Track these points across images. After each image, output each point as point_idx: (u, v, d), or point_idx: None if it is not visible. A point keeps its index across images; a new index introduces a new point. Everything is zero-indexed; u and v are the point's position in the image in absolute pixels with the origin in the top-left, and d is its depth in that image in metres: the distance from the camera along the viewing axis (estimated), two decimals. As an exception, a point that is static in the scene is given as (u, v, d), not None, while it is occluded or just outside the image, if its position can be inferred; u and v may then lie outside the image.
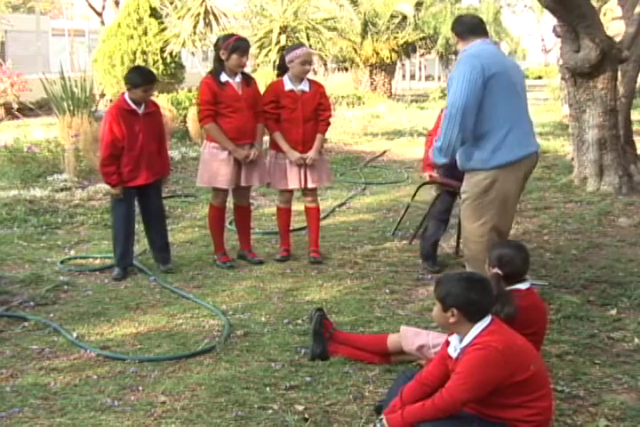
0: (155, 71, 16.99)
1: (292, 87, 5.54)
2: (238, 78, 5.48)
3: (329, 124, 5.73)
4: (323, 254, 5.82)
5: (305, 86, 5.57)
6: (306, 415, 3.25)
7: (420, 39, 23.48)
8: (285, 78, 5.56)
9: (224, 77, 5.43)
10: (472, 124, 4.15)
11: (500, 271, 3.24)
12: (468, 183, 4.30)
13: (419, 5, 23.50)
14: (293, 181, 5.65)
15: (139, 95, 5.22)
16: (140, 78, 5.22)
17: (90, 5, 29.23)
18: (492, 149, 4.18)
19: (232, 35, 5.76)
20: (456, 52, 41.98)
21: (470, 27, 4.39)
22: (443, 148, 4.23)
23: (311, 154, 5.58)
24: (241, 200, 5.79)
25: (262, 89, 5.81)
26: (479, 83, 4.09)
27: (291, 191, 5.78)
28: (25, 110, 14.57)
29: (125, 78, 5.29)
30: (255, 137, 5.55)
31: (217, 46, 5.47)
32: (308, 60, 5.52)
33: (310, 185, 5.69)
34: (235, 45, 5.36)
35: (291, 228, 6.04)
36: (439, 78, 37.31)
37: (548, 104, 20.01)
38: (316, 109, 5.61)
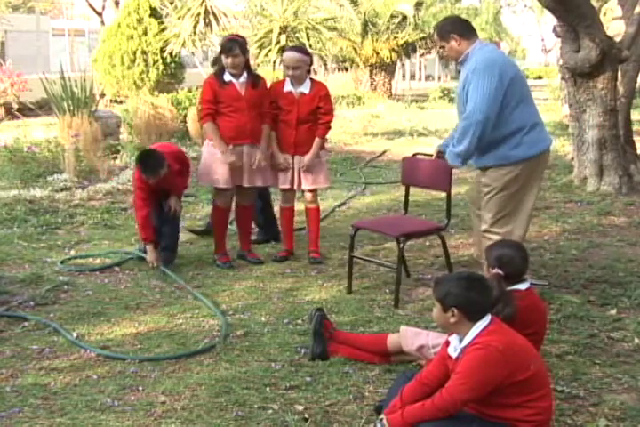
0: (155, 71, 17.13)
1: (290, 89, 5.52)
2: (243, 78, 5.46)
3: (329, 128, 5.64)
4: (323, 254, 5.82)
5: (305, 88, 5.51)
6: (306, 415, 3.25)
7: (420, 39, 23.49)
8: (287, 79, 5.55)
9: (227, 77, 5.45)
10: (490, 131, 4.33)
11: (500, 271, 3.24)
12: (491, 178, 4.49)
13: (419, 5, 23.50)
14: (284, 181, 5.64)
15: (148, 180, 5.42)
16: (143, 173, 5.36)
17: (90, 5, 29.24)
18: (513, 147, 4.40)
19: (229, 35, 5.78)
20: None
21: (468, 25, 4.54)
22: (462, 154, 4.42)
23: (307, 159, 5.56)
24: (243, 200, 5.78)
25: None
26: (500, 93, 4.27)
27: (290, 191, 5.75)
28: (25, 110, 14.57)
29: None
30: (256, 137, 5.54)
31: None
32: (290, 66, 5.42)
33: (304, 187, 5.67)
34: (222, 46, 5.44)
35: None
36: (439, 78, 37.33)
37: (548, 104, 19.98)
38: (314, 113, 5.53)
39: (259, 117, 5.54)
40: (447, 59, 5.23)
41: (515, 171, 4.42)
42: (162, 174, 5.33)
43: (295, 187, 5.68)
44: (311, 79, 5.58)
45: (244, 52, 5.43)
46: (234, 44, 5.38)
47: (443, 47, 4.58)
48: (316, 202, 5.83)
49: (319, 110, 5.54)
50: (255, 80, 5.53)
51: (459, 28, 4.49)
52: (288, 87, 5.53)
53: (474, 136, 4.31)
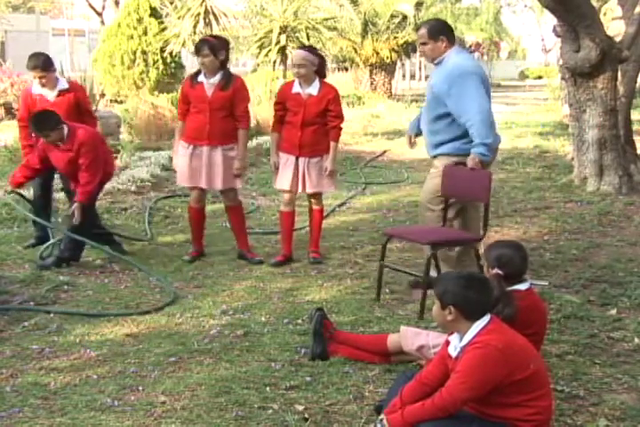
0: (155, 71, 17.13)
1: (298, 90, 5.49)
2: (215, 80, 5.46)
3: (340, 130, 5.61)
4: (323, 255, 5.82)
5: (313, 90, 5.46)
6: (306, 415, 3.25)
7: (421, 39, 23.44)
8: (296, 80, 5.53)
9: (200, 78, 5.51)
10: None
11: (500, 271, 3.23)
12: (440, 162, 4.94)
13: (419, 5, 23.51)
14: (284, 183, 5.61)
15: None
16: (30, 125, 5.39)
17: (90, 5, 29.28)
18: (468, 142, 4.79)
19: (205, 35, 5.90)
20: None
21: (453, 31, 4.95)
22: (490, 144, 4.74)
23: (329, 165, 5.54)
24: (225, 201, 5.79)
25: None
26: (483, 90, 4.80)
27: (290, 193, 5.68)
28: (25, 110, 14.53)
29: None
30: (216, 139, 5.50)
31: None
32: (295, 63, 5.42)
33: (308, 190, 5.63)
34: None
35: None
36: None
37: (548, 104, 20.01)
38: (322, 115, 5.48)
39: (224, 120, 5.51)
40: (423, 56, 5.46)
41: (462, 161, 4.81)
42: (46, 135, 5.30)
43: (300, 190, 5.63)
44: (321, 81, 5.51)
45: (216, 52, 5.38)
46: (203, 44, 5.43)
47: (425, 44, 4.88)
48: (319, 204, 5.80)
49: (329, 113, 5.49)
50: (226, 82, 5.47)
51: (449, 32, 4.88)
52: (296, 88, 5.50)
53: (490, 122, 4.75)
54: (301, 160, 5.55)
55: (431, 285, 4.48)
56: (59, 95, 5.88)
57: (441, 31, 4.84)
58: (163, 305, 4.70)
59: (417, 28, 5.13)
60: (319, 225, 5.83)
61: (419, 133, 5.30)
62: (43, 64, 5.80)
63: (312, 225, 5.85)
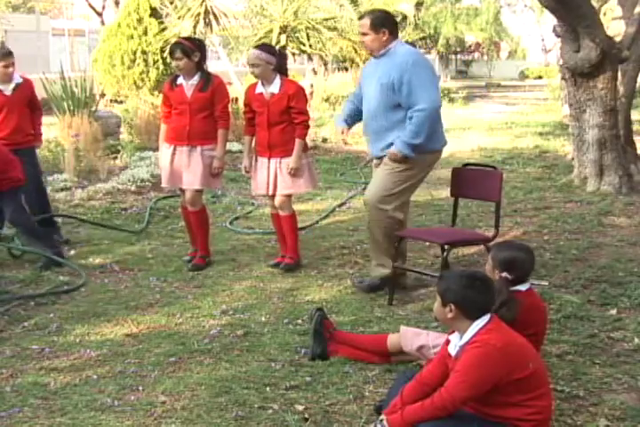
0: (155, 71, 17.15)
1: (261, 90, 5.43)
2: (194, 81, 5.47)
3: (306, 127, 5.42)
4: (322, 254, 5.76)
5: (274, 88, 5.37)
6: (306, 415, 3.25)
7: (420, 39, 23.54)
8: (259, 81, 5.47)
9: (180, 80, 5.53)
10: None
11: (508, 275, 3.21)
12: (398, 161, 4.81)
13: (419, 5, 23.57)
14: (261, 187, 5.52)
15: None
16: None
17: (90, 5, 29.32)
18: (427, 139, 4.73)
19: (179, 38, 5.95)
20: (456, 52, 41.70)
21: (397, 25, 4.93)
22: (418, 144, 4.70)
23: (292, 162, 5.36)
24: (186, 203, 5.67)
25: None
26: (437, 83, 4.86)
27: (270, 196, 5.56)
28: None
29: None
30: (197, 140, 5.47)
31: None
32: (251, 63, 5.36)
33: (281, 191, 5.46)
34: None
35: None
36: (439, 78, 37.20)
37: (548, 104, 20.01)
38: (287, 113, 5.35)
39: (204, 121, 5.49)
40: (364, 47, 5.31)
41: (420, 159, 4.77)
42: None
43: (270, 192, 5.48)
44: (283, 79, 5.40)
45: (189, 54, 5.36)
46: (175, 48, 5.44)
47: (365, 34, 4.80)
48: (286, 209, 5.52)
49: (292, 110, 5.36)
50: (205, 82, 5.46)
51: (392, 25, 4.82)
52: (259, 89, 5.45)
53: (431, 125, 4.67)
54: (273, 161, 5.43)
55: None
56: (15, 89, 6.02)
57: (383, 23, 4.73)
58: (75, 287, 5.04)
59: (360, 17, 4.92)
60: (292, 229, 5.57)
61: (351, 125, 5.24)
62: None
63: (285, 230, 5.59)
